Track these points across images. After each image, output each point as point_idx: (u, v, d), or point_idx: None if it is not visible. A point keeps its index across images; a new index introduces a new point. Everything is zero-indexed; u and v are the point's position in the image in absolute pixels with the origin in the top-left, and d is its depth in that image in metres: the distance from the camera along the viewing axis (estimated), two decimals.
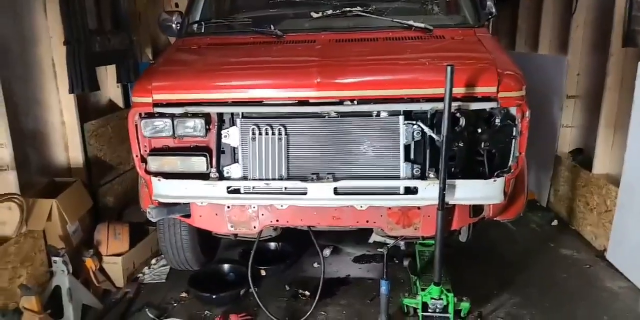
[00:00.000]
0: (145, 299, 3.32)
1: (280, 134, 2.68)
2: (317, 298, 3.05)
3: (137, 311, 3.15)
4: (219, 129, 2.76)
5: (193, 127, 2.71)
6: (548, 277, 3.56)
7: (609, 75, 3.84)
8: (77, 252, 3.31)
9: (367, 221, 2.82)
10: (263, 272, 3.55)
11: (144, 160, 2.82)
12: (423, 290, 2.96)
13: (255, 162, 2.73)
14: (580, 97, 4.57)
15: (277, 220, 2.88)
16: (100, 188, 3.88)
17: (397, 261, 3.71)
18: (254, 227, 2.90)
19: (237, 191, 2.76)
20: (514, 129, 2.59)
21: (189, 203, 2.88)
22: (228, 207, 2.87)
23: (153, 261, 3.72)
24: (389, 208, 2.77)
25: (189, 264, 3.53)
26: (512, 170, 2.64)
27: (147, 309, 3.10)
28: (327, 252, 3.91)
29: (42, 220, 3.18)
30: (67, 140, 3.66)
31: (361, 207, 2.73)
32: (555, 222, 4.49)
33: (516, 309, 3.16)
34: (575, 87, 4.55)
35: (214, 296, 3.16)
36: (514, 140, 2.61)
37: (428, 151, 2.67)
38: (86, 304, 3.08)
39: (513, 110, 2.57)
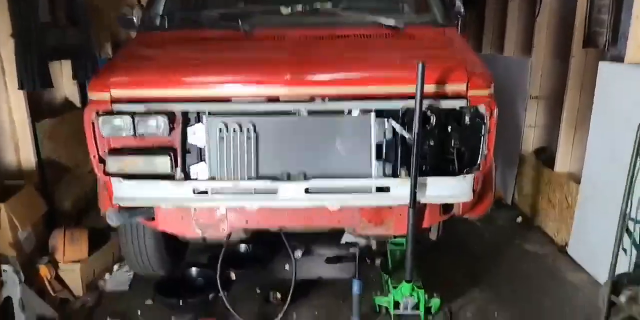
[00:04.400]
0: (107, 308, 3.15)
1: (249, 132, 2.60)
2: (288, 300, 2.97)
3: None
4: (184, 127, 2.64)
5: (156, 126, 2.58)
6: (514, 272, 3.63)
7: (571, 76, 3.94)
8: (30, 259, 3.11)
9: (340, 221, 2.77)
10: (233, 276, 3.45)
11: (102, 161, 2.67)
12: (395, 288, 2.94)
13: (223, 161, 2.63)
14: (543, 97, 4.68)
15: (247, 222, 2.79)
16: (56, 192, 3.68)
17: (369, 261, 3.68)
18: (223, 230, 2.80)
19: (204, 192, 2.66)
20: (483, 127, 2.59)
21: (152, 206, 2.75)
22: (195, 209, 2.76)
23: (115, 267, 3.55)
24: (362, 207, 2.73)
25: (153, 269, 3.38)
26: (480, 168, 2.66)
27: (109, 319, 2.94)
28: (298, 253, 3.84)
29: None
30: (17, 140, 3.44)
31: (333, 207, 2.68)
32: (519, 219, 4.58)
33: (485, 303, 3.20)
34: (539, 88, 4.65)
35: (181, 302, 3.04)
36: (482, 138, 2.62)
37: (399, 149, 2.65)
38: (41, 315, 2.90)
39: (482, 108, 2.58)
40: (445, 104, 2.55)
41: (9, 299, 2.77)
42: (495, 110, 2.58)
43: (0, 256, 2.89)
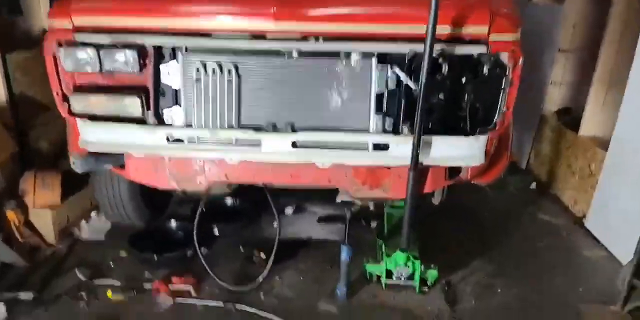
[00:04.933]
0: (79, 257, 2.96)
1: (230, 74, 2.26)
2: (270, 261, 2.74)
3: (67, 271, 2.79)
4: (157, 64, 2.30)
5: (124, 61, 2.26)
6: (524, 244, 3.32)
7: (609, 27, 3.45)
8: None
9: (330, 180, 2.46)
10: (216, 231, 3.21)
11: (66, 99, 2.37)
12: (388, 256, 2.68)
13: (201, 106, 2.32)
14: (573, 51, 4.19)
15: (227, 177, 2.50)
16: (31, 131, 3.39)
17: (365, 223, 3.41)
18: (200, 183, 2.52)
19: (179, 141, 2.36)
20: (504, 79, 2.22)
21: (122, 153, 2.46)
22: (169, 159, 2.47)
23: (92, 214, 3.32)
24: (355, 167, 2.41)
25: (130, 220, 3.15)
26: (496, 127, 2.30)
27: (76, 269, 2.74)
28: (289, 210, 3.58)
29: None
30: None
31: (323, 164, 2.36)
32: (533, 186, 4.22)
33: (488, 278, 2.92)
34: (569, 40, 4.15)
35: (155, 257, 2.82)
36: (502, 93, 2.25)
37: (403, 102, 2.29)
38: (6, 263, 2.71)
39: (504, 57, 2.19)
40: (461, 49, 2.17)
41: None
42: (521, 60, 2.18)
43: None
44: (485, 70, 2.19)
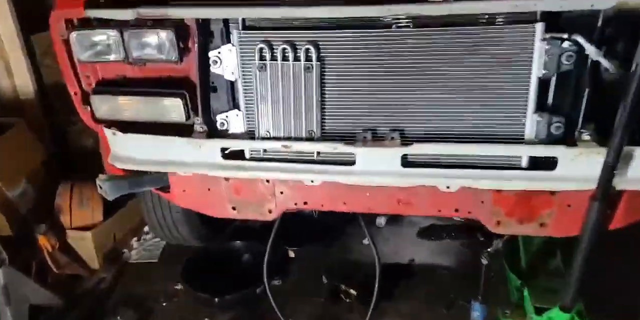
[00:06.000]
0: (126, 290, 2.40)
1: (309, 58, 1.49)
2: (370, 311, 2.02)
3: (112, 310, 2.24)
4: (203, 48, 1.58)
5: (157, 45, 1.56)
6: None
7: None
8: (25, 224, 2.36)
9: (458, 210, 1.67)
10: (292, 254, 2.56)
11: (87, 100, 1.72)
12: (539, 311, 1.87)
13: (267, 107, 1.59)
14: None
15: (305, 203, 1.78)
16: (70, 127, 2.83)
17: (479, 237, 2.59)
18: (269, 212, 1.81)
19: (238, 156, 1.66)
20: None
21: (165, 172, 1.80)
22: (227, 179, 1.77)
23: (145, 229, 2.75)
24: (497, 191, 1.60)
25: (186, 241, 2.54)
26: None
27: (119, 316, 2.17)
28: (381, 220, 2.84)
29: None
30: (7, 59, 2.54)
31: (448, 187, 1.58)
32: None
33: None
34: None
35: (216, 299, 2.19)
36: None
37: (586, 92, 1.43)
38: (39, 305, 2.18)
39: None
40: None
41: None
42: None
43: None
44: None
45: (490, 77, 1.47)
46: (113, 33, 1.58)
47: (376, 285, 2.01)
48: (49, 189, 2.52)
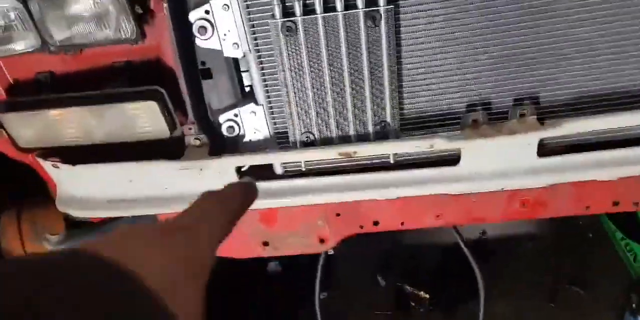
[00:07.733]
0: None
1: (373, 2, 0.86)
2: None
3: None
4: (179, 8, 0.91)
5: (94, 15, 0.92)
6: None
7: None
8: None
9: (617, 203, 1.12)
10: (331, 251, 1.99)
11: None
12: None
13: (305, 93, 0.96)
14: None
15: (376, 223, 1.19)
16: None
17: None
18: (322, 242, 1.23)
19: (264, 172, 1.06)
20: None
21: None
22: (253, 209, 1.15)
23: None
24: None
25: None
26: None
27: None
28: None
29: None
30: None
31: (607, 176, 1.04)
32: None
33: None
34: None
35: None
36: None
37: None
38: None
39: None
40: None
41: None
42: None
43: None
44: None
45: None
46: (12, 4, 0.89)
47: (479, 279, 1.49)
48: None
